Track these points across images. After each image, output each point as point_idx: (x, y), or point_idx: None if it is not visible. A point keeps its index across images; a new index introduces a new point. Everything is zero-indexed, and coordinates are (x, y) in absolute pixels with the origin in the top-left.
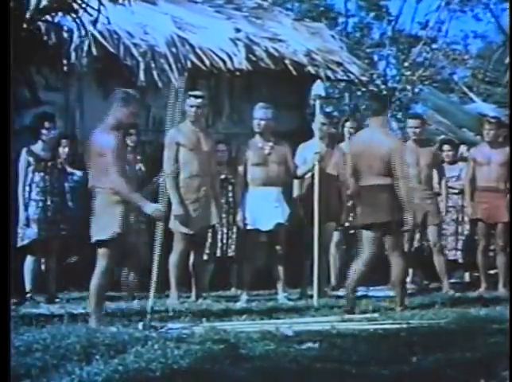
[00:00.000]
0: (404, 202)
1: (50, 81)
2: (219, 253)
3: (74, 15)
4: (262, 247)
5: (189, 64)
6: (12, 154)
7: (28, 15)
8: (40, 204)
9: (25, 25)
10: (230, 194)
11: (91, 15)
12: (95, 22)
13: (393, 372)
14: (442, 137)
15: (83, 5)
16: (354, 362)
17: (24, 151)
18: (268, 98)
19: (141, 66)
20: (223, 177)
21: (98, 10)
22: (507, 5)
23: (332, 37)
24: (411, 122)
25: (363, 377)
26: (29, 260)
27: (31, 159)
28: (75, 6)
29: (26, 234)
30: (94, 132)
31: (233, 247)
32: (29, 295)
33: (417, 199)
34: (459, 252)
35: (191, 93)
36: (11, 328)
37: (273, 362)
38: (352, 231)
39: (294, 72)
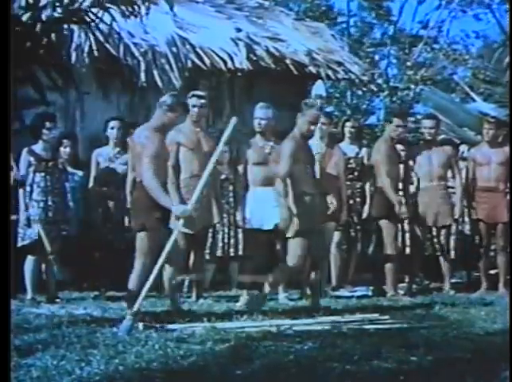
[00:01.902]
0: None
1: (50, 81)
2: (219, 253)
3: (86, 27)
4: (263, 246)
5: (190, 64)
6: (12, 154)
7: (39, 25)
8: (41, 204)
9: (25, 27)
10: (231, 194)
11: (100, 30)
12: (107, 37)
13: (393, 371)
14: (442, 136)
15: (96, 20)
16: (354, 362)
17: (25, 151)
18: (268, 97)
19: (142, 66)
20: (223, 177)
21: (111, 25)
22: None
23: (333, 36)
24: (426, 123)
25: (363, 377)
26: (30, 260)
27: (32, 159)
28: (88, 19)
29: (27, 234)
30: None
31: (234, 247)
32: (29, 296)
33: (427, 198)
34: (459, 252)
35: (194, 93)
36: (11, 328)
37: (273, 362)
38: (353, 230)
39: (295, 72)
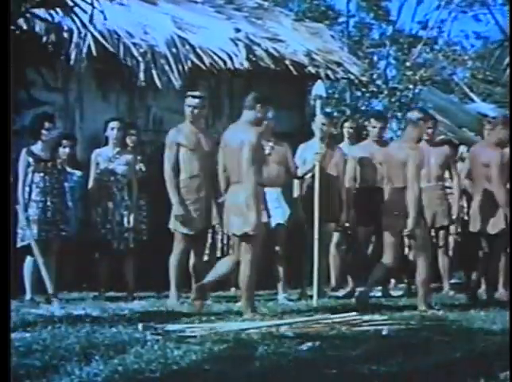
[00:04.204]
0: None
1: (50, 81)
2: (219, 254)
3: (69, 11)
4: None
5: (189, 64)
6: (12, 155)
7: (22, 9)
8: (40, 204)
9: (24, 25)
10: None
11: (84, 11)
12: (90, 18)
13: (393, 372)
14: (441, 137)
15: (76, 1)
16: (353, 363)
17: (24, 152)
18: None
19: (141, 66)
20: None
21: (92, 5)
22: (507, 5)
23: (332, 37)
24: None
25: (363, 377)
26: (29, 261)
27: (31, 160)
28: (70, 3)
29: (26, 235)
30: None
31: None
32: (28, 296)
33: (426, 199)
34: (458, 252)
35: (189, 93)
36: (11, 328)
37: (273, 362)
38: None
39: (294, 72)
